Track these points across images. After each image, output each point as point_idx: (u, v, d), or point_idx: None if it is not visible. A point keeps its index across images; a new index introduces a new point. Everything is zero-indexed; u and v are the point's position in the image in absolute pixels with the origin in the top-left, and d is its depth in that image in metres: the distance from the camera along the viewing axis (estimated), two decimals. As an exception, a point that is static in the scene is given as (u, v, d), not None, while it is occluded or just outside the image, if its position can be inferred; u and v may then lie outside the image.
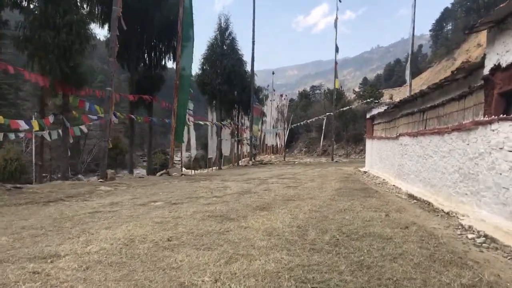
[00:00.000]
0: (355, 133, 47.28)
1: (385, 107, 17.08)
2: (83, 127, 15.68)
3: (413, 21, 26.89)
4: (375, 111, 19.29)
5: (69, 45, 13.91)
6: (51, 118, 14.14)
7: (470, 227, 6.64)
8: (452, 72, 7.81)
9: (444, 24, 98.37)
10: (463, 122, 7.90)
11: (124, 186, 10.38)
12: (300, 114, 58.66)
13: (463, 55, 73.32)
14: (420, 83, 66.22)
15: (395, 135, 14.01)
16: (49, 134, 14.20)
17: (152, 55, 22.95)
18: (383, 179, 15.33)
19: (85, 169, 43.44)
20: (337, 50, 31.20)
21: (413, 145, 11.46)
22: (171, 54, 22.98)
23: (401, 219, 6.06)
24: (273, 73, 39.61)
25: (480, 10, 79.91)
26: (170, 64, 25.76)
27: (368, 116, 21.14)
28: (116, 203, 7.47)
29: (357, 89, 63.09)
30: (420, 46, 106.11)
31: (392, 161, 14.58)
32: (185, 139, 23.40)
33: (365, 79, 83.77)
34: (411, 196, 11.01)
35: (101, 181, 11.28)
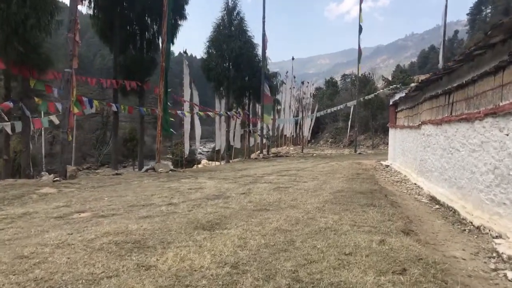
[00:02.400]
0: (383, 123, 44.26)
1: (406, 91, 14.75)
2: (53, 118, 14.09)
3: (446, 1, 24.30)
4: (397, 97, 16.89)
5: (22, 19, 12.01)
6: (9, 105, 12.41)
7: (510, 257, 4.50)
8: (486, 34, 5.57)
9: (483, 8, 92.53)
10: (501, 104, 5.68)
11: (74, 188, 8.72)
12: (327, 103, 56.00)
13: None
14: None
15: (417, 123, 11.71)
16: (12, 125, 12.59)
17: (145, 35, 20.82)
18: (404, 176, 13.08)
19: (100, 161, 42.85)
20: (360, 30, 28.49)
21: (437, 135, 9.21)
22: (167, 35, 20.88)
23: (401, 249, 4.01)
24: (292, 58, 37.06)
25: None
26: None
27: (391, 102, 18.75)
28: (29, 214, 5.77)
29: (389, 77, 59.72)
30: (456, 32, 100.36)
31: (414, 154, 12.30)
32: (187, 130, 21.67)
33: (398, 66, 79.45)
34: (433, 200, 8.81)
35: (56, 180, 9.68)
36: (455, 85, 7.87)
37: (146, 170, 13.78)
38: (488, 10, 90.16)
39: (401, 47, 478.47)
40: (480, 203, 6.45)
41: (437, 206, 8.11)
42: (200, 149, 72.52)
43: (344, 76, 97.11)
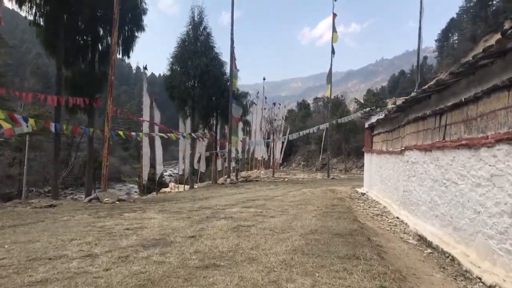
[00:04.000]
0: (356, 146, 43.54)
1: (386, 112, 13.59)
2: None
3: (420, 21, 24.05)
4: (374, 119, 15.71)
5: None
6: None
7: None
8: (504, 33, 4.26)
9: (450, 35, 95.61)
10: (523, 127, 4.35)
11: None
12: (299, 125, 55.17)
13: (471, 64, 69.81)
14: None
15: (399, 149, 10.42)
16: None
17: (97, 47, 18.70)
18: (384, 207, 11.72)
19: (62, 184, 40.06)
20: (333, 52, 27.69)
21: (425, 163, 7.87)
22: (122, 47, 18.92)
23: None
24: (264, 79, 35.86)
25: (488, 18, 76.75)
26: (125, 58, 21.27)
27: (366, 125, 17.56)
28: None
29: (361, 101, 59.65)
30: (425, 58, 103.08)
31: (395, 183, 10.97)
32: (146, 153, 19.73)
33: (369, 90, 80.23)
34: (422, 240, 7.40)
35: None
36: (449, 104, 6.57)
37: (90, 200, 11.86)
38: (455, 37, 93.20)
39: (372, 72, 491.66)
40: (489, 253, 5.04)
41: (429, 250, 6.68)
42: (170, 171, 69.94)
43: (316, 99, 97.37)
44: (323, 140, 43.94)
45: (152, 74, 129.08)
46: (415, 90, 28.99)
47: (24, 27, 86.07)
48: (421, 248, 6.88)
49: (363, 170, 42.24)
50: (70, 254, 5.04)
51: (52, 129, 14.36)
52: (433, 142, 7.43)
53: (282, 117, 46.17)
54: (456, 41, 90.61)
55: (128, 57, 19.28)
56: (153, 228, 7.01)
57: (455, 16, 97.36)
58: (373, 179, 15.46)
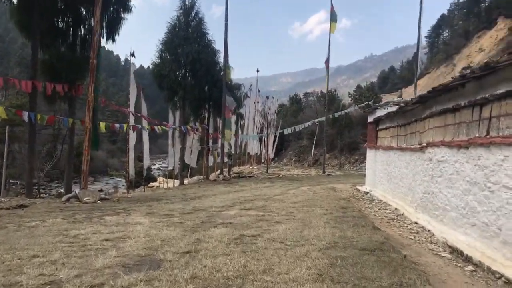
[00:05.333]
0: (350, 142, 42.64)
1: (395, 106, 12.52)
2: None
3: (421, 10, 23.32)
4: (380, 113, 14.70)
5: None
6: None
7: None
8: None
9: (441, 31, 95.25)
10: None
11: None
12: (291, 120, 54.04)
13: (463, 60, 69.44)
14: (418, 90, 61.80)
15: (417, 145, 9.32)
16: None
17: (79, 29, 16.85)
18: (395, 209, 10.62)
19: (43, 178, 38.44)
20: (329, 43, 26.56)
21: (458, 162, 6.75)
22: (107, 30, 17.16)
23: None
24: (257, 71, 34.53)
25: (481, 15, 76.39)
26: (109, 44, 19.35)
27: (370, 119, 16.58)
28: None
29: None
30: (416, 54, 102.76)
31: (410, 183, 9.88)
32: (132, 147, 18.23)
33: (358, 86, 79.55)
34: (456, 252, 6.29)
35: None
36: (499, 91, 5.43)
37: (68, 199, 10.53)
38: (446, 34, 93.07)
39: (361, 68, 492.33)
40: None
41: (471, 267, 5.56)
42: (159, 164, 68.28)
43: (306, 94, 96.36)
44: (316, 135, 42.92)
45: (141, 67, 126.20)
46: (416, 80, 28.21)
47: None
48: (459, 264, 5.76)
49: (356, 166, 41.81)
50: (25, 282, 3.78)
51: (25, 118, 12.88)
52: (470, 138, 6.30)
53: (275, 111, 44.94)
54: (447, 37, 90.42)
55: (113, 41, 17.56)
56: (138, 238, 5.77)
57: (445, 12, 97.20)
58: (378, 177, 14.49)
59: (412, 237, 7.34)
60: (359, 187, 16.75)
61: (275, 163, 50.48)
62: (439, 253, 6.39)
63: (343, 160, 43.00)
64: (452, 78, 6.87)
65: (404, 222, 8.83)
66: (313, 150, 44.67)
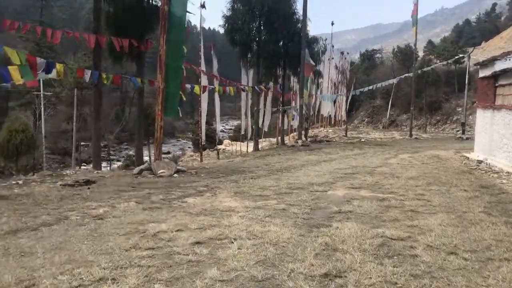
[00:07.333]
0: (431, 101, 38.59)
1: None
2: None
3: None
4: (502, 65, 12.21)
5: None
6: None
7: None
8: None
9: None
10: None
11: None
12: (362, 79, 50.23)
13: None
14: (502, 43, 54.68)
15: None
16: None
17: None
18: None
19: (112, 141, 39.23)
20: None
21: None
22: None
23: None
24: (332, 23, 31.39)
25: None
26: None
27: (482, 74, 14.14)
28: None
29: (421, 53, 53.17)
30: (494, 5, 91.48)
31: None
32: (205, 110, 16.56)
33: (430, 42, 72.23)
34: None
35: None
36: None
37: (140, 172, 9.17)
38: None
39: (430, 23, 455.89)
40: None
41: None
42: (222, 126, 68.09)
43: (373, 51, 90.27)
44: (392, 94, 39.31)
45: (209, 29, 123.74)
46: (480, 46, 23.94)
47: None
48: None
49: (438, 127, 37.95)
50: None
51: (87, 78, 11.54)
52: None
53: (350, 68, 41.55)
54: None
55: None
56: (240, 240, 4.06)
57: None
58: (495, 143, 12.32)
59: None
60: (466, 154, 14.30)
61: (344, 124, 47.64)
62: None
63: (423, 121, 39.32)
64: None
65: None
66: (389, 111, 41.11)
